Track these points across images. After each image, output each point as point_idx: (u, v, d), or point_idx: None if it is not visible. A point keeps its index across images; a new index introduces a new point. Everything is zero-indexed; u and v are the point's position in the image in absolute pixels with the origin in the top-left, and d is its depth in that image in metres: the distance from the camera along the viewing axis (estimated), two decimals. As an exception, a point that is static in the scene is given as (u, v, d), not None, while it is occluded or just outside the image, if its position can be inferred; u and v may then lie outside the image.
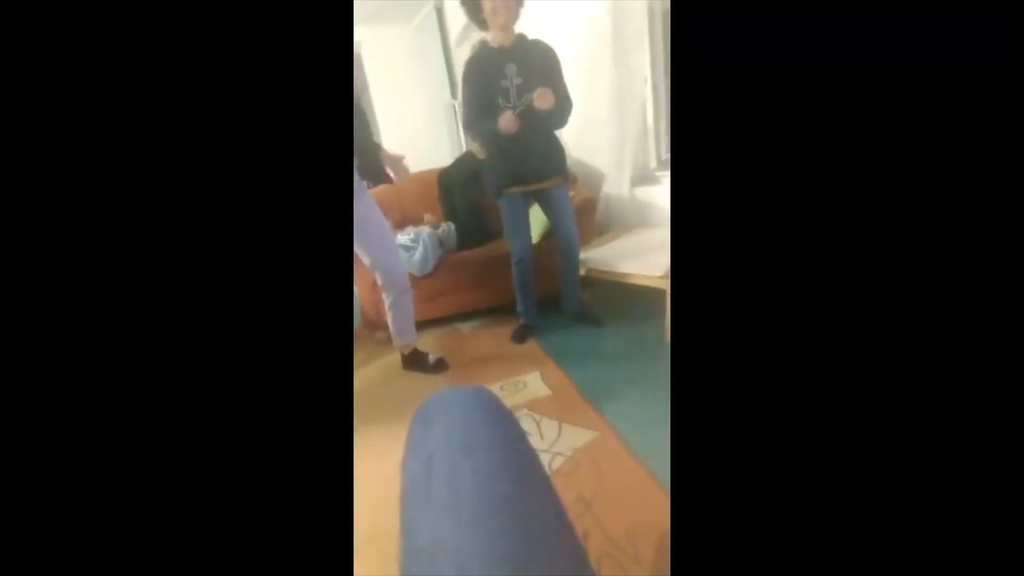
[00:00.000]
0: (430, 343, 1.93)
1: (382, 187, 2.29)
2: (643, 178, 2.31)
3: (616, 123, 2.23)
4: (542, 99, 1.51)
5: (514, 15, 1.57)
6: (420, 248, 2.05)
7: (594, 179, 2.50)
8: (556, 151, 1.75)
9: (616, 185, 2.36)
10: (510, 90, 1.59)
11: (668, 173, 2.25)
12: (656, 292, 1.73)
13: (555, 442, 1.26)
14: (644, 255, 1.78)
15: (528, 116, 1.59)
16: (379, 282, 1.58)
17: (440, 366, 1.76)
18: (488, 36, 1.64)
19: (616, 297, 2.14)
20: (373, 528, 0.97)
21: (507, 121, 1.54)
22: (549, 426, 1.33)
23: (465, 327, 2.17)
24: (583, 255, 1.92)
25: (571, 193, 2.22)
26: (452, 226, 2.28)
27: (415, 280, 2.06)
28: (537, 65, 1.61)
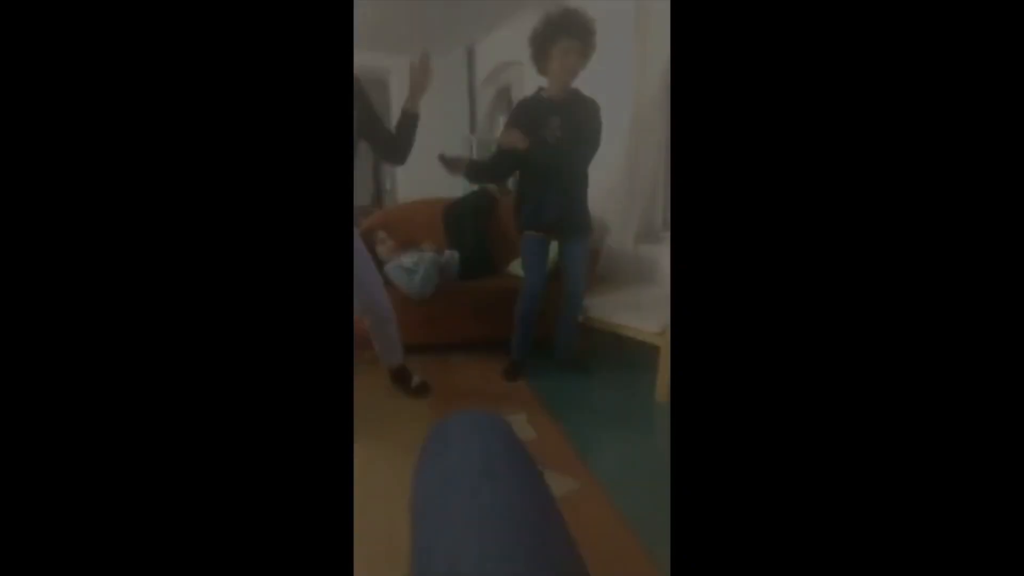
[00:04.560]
0: (417, 369, 1.90)
1: (385, 211, 2.29)
2: (648, 235, 2.37)
3: (628, 181, 2.31)
4: (507, 138, 1.61)
5: (574, 75, 1.63)
6: (421, 271, 2.05)
7: (599, 230, 2.55)
8: (581, 212, 1.79)
9: (620, 239, 2.41)
10: (548, 140, 1.65)
11: (672, 234, 2.31)
12: (649, 347, 1.74)
13: (536, 488, 1.22)
14: (642, 310, 1.80)
15: (553, 169, 1.66)
16: (362, 308, 1.59)
17: (422, 390, 1.75)
18: (546, 84, 1.69)
19: (608, 348, 2.14)
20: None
21: (511, 137, 1.61)
22: (531, 470, 1.29)
23: (456, 358, 2.14)
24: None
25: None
26: (456, 254, 2.30)
27: (412, 304, 2.05)
28: (580, 121, 1.66)
